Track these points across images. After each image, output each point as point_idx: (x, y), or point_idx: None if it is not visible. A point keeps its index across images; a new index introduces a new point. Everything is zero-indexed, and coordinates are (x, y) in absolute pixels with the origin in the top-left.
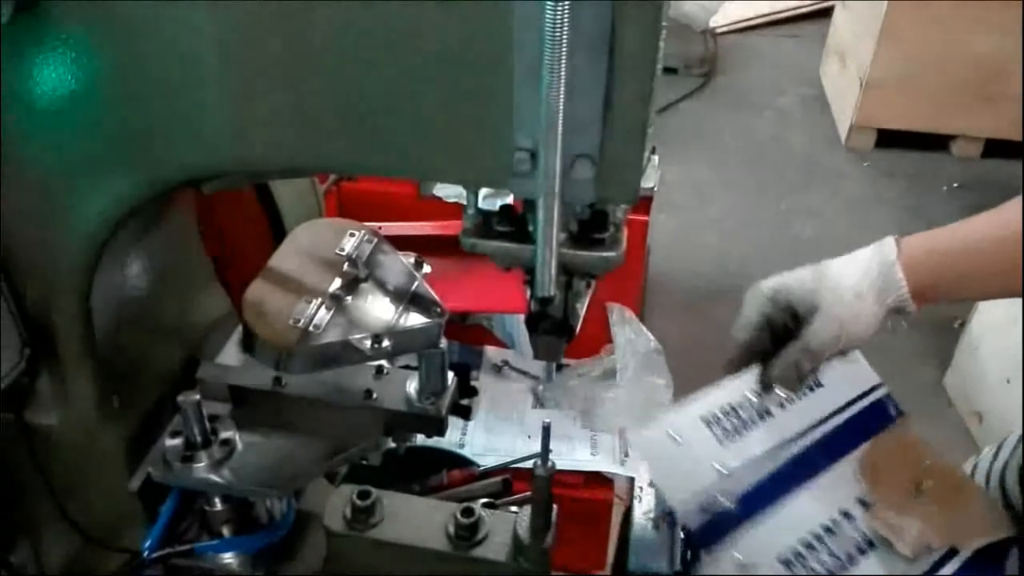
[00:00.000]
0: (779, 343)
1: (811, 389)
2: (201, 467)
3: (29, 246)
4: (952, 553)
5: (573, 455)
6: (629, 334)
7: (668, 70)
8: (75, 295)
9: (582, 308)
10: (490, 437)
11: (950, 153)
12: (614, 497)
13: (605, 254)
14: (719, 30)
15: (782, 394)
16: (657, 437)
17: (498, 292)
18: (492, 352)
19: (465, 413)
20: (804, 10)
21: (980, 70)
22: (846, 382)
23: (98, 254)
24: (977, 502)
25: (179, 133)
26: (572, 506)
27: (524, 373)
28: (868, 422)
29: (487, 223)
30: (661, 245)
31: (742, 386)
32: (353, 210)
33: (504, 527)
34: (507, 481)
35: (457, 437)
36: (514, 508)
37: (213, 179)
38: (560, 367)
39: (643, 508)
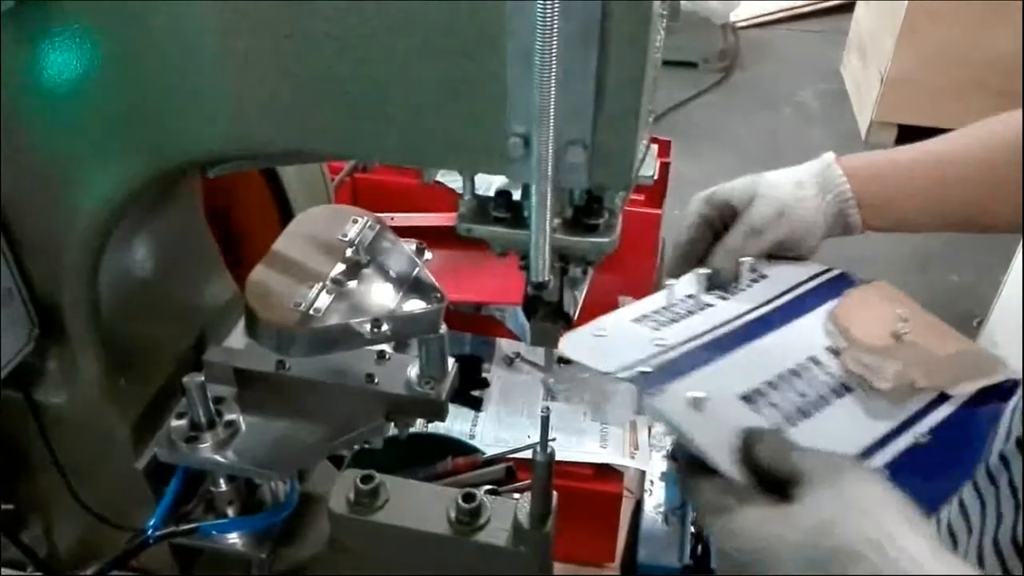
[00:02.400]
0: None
1: (754, 281)
2: (205, 447)
3: (37, 227)
4: (944, 398)
5: (583, 447)
6: None
7: (688, 64)
8: (82, 277)
9: (580, 295)
10: (500, 429)
11: None
12: (624, 490)
13: (598, 240)
14: (739, 24)
15: (724, 294)
16: (581, 336)
17: (509, 284)
18: (504, 344)
19: (476, 404)
20: (825, 5)
21: (1001, 66)
22: (795, 270)
23: (104, 236)
24: (963, 347)
25: (179, 117)
26: (582, 498)
27: (535, 365)
28: (830, 290)
29: (483, 209)
30: None
31: (679, 290)
32: (368, 201)
33: (506, 513)
34: (511, 468)
35: (468, 428)
36: (517, 495)
37: (217, 163)
38: (570, 359)
39: (653, 501)
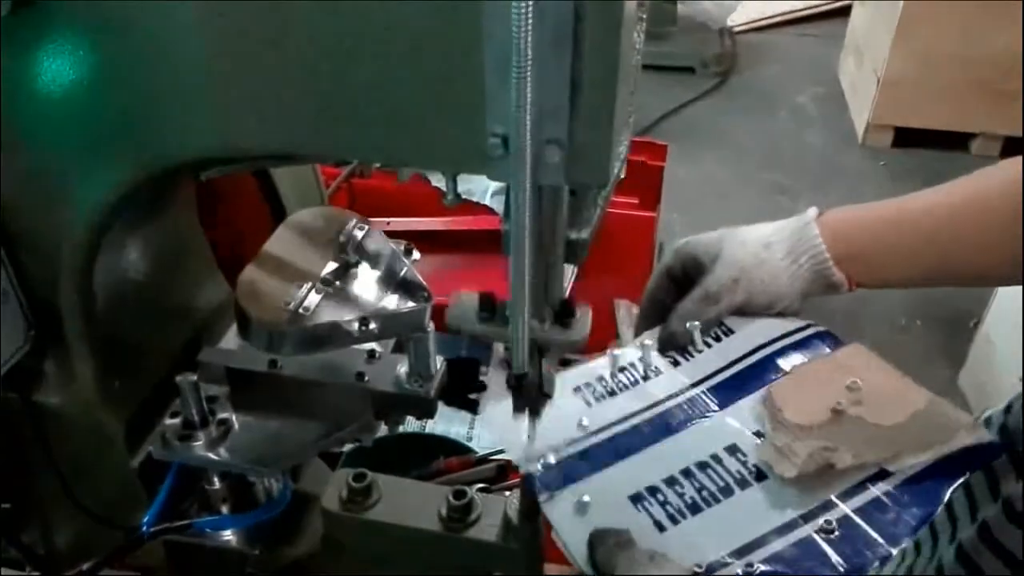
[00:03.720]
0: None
1: (716, 339)
2: (199, 445)
3: (33, 229)
4: (884, 474)
5: None
6: None
7: (685, 69)
8: (77, 278)
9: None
10: (497, 431)
11: (968, 151)
12: None
13: (571, 338)
14: (737, 28)
15: (681, 356)
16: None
17: (504, 287)
18: (501, 347)
19: (472, 407)
20: (823, 8)
21: (998, 67)
22: (765, 326)
23: (99, 238)
24: (925, 409)
25: (167, 121)
26: None
27: None
28: (799, 352)
29: (471, 312)
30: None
31: (623, 359)
32: (364, 205)
33: (496, 510)
34: (502, 467)
35: (465, 430)
36: (508, 493)
37: (206, 166)
38: (568, 362)
39: None
